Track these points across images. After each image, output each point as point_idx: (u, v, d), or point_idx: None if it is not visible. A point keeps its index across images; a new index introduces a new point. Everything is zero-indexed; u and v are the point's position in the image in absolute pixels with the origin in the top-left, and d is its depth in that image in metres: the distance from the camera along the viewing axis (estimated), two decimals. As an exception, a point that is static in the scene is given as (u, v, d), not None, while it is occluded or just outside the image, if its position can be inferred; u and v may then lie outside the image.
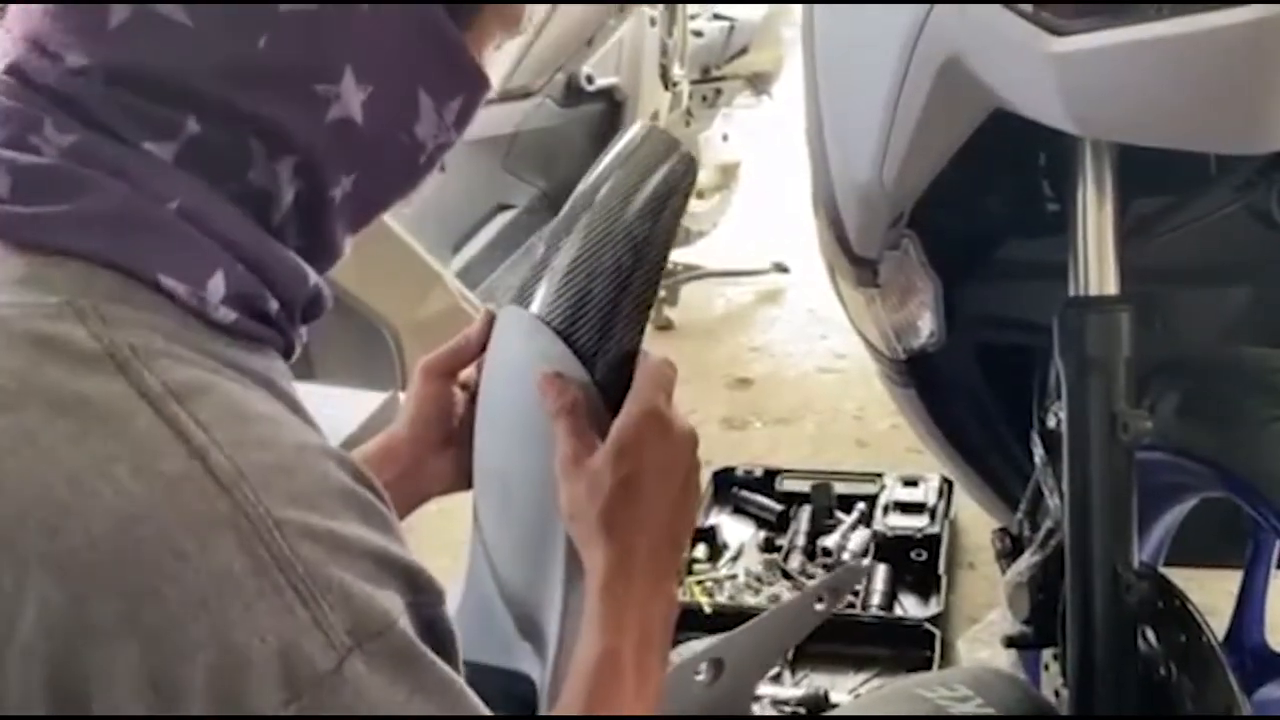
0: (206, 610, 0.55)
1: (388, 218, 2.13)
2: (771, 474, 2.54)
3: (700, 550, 2.33)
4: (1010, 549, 1.37)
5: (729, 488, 2.54)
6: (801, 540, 2.35)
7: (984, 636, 2.05)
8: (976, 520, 2.23)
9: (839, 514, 2.42)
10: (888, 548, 2.28)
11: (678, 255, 3.59)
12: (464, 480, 0.98)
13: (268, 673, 0.56)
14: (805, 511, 2.42)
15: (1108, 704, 1.15)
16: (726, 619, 1.91)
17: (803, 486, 2.48)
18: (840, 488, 2.46)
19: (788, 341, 3.45)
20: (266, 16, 0.65)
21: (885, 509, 2.37)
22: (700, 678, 1.02)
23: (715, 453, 2.62)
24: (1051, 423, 1.21)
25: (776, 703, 1.92)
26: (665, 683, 0.83)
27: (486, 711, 0.64)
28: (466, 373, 0.99)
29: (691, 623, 2.03)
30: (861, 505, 2.41)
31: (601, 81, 2.95)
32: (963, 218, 1.36)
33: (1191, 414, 1.17)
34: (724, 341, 3.48)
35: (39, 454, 0.57)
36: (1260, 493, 1.10)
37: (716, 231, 3.84)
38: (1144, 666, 1.15)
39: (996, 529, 1.41)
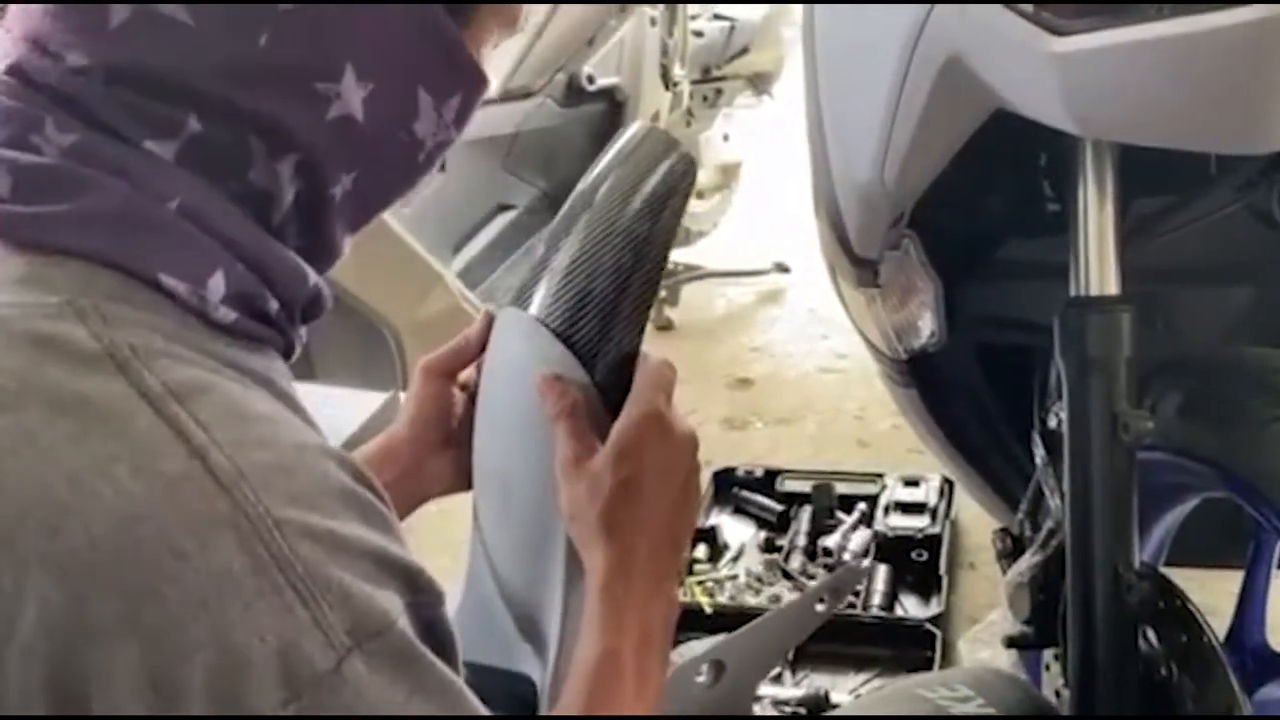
0: (206, 610, 0.55)
1: (388, 217, 2.13)
2: (772, 474, 2.54)
3: (701, 550, 2.33)
4: (1011, 549, 1.37)
5: (730, 488, 2.54)
6: (802, 540, 2.35)
7: (985, 637, 2.05)
8: (977, 520, 2.24)
9: (840, 514, 2.42)
10: (889, 548, 2.28)
11: (678, 255, 3.59)
12: (464, 481, 0.98)
13: (267, 672, 0.56)
14: (806, 512, 2.42)
15: (1109, 704, 1.15)
16: (727, 619, 1.92)
17: (803, 487, 2.48)
18: (841, 488, 2.46)
19: (788, 341, 3.45)
20: (267, 15, 0.65)
21: (886, 509, 2.37)
22: (701, 679, 1.02)
23: (716, 453, 2.62)
24: (1052, 423, 1.21)
25: (777, 703, 1.92)
26: (666, 684, 0.83)
27: (486, 712, 0.64)
28: (466, 373, 0.99)
29: (692, 623, 2.03)
30: (862, 505, 2.41)
31: (602, 81, 2.95)
32: (964, 218, 1.36)
33: (1193, 414, 1.17)
34: (725, 341, 3.48)
35: (39, 454, 0.57)
36: (1261, 493, 1.10)
37: (717, 231, 3.84)
38: (1145, 667, 1.15)
39: (997, 529, 1.41)
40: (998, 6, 0.94)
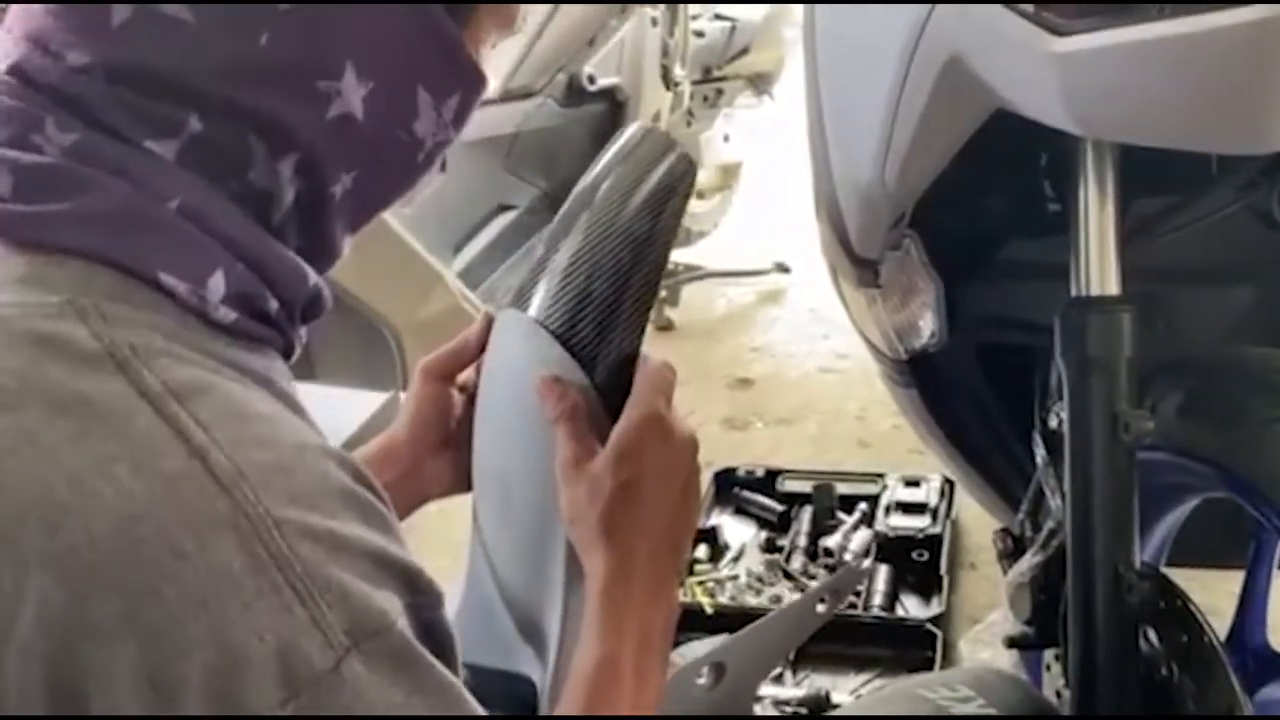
0: (205, 609, 0.55)
1: (388, 217, 2.13)
2: (773, 474, 2.54)
3: (702, 551, 2.33)
4: (1012, 549, 1.37)
5: (730, 488, 2.54)
6: (803, 541, 2.35)
7: (985, 637, 2.05)
8: (978, 521, 2.23)
9: (840, 514, 2.41)
10: (889, 548, 2.28)
11: (679, 255, 3.59)
12: (464, 482, 0.98)
13: (266, 672, 0.56)
14: (807, 512, 2.42)
15: (1109, 704, 1.15)
16: (728, 619, 1.92)
17: (804, 487, 2.48)
18: (842, 488, 2.45)
19: (789, 342, 3.44)
20: (268, 13, 0.65)
21: (887, 509, 2.37)
22: (702, 681, 1.02)
23: (716, 453, 2.62)
24: (1053, 423, 1.20)
25: (778, 703, 1.92)
26: (666, 687, 0.83)
27: (484, 713, 0.64)
28: (465, 374, 0.99)
29: (693, 623, 2.03)
30: (863, 506, 2.41)
31: (603, 82, 2.95)
32: (964, 218, 1.36)
33: (1194, 414, 1.17)
34: (725, 342, 3.48)
35: (39, 453, 0.57)
36: (1262, 493, 1.10)
37: (718, 232, 3.84)
38: (1146, 667, 1.15)
39: (998, 529, 1.41)
40: (998, 6, 0.94)
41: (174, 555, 0.55)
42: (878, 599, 2.17)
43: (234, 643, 0.55)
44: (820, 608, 1.11)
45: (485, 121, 2.58)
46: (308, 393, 0.70)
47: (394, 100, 0.69)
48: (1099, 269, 1.13)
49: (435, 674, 0.61)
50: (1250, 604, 1.27)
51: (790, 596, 2.20)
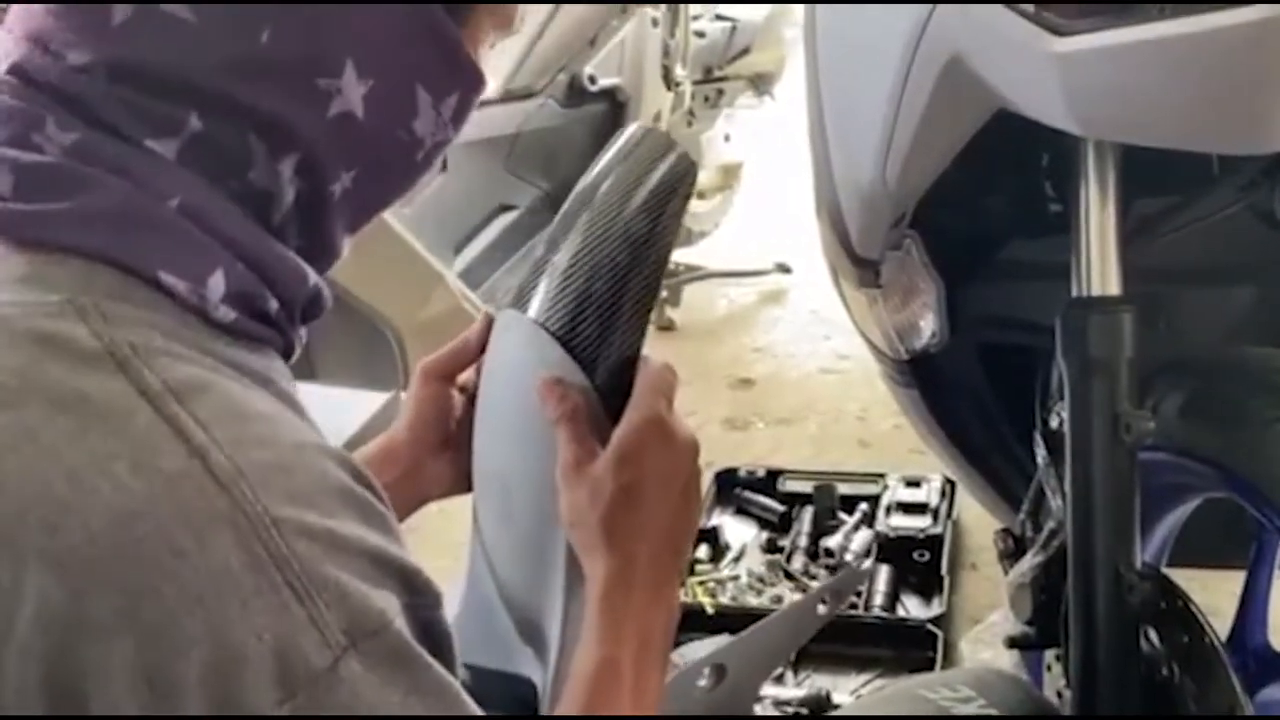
0: (203, 607, 0.55)
1: (389, 217, 2.13)
2: (774, 474, 2.54)
3: (703, 551, 2.33)
4: (1013, 549, 1.37)
5: (731, 488, 2.54)
6: (804, 541, 2.35)
7: (986, 637, 2.04)
8: (979, 521, 2.23)
9: (841, 515, 2.41)
10: (890, 548, 2.27)
11: (680, 256, 3.59)
12: (464, 483, 0.98)
13: (263, 670, 0.56)
14: (808, 512, 2.42)
15: (1110, 705, 1.15)
16: (729, 620, 1.92)
17: (805, 487, 2.48)
18: (843, 488, 2.45)
19: (790, 342, 3.44)
20: (268, 11, 0.65)
21: (888, 510, 2.36)
22: (702, 683, 1.02)
23: (717, 453, 2.62)
24: (1054, 423, 1.20)
25: (779, 703, 1.92)
26: (667, 688, 0.83)
27: (482, 714, 0.64)
28: (465, 375, 0.99)
29: (694, 623, 2.03)
30: (864, 506, 2.41)
31: (604, 82, 2.95)
32: (965, 218, 1.36)
33: (1194, 414, 1.17)
34: (726, 342, 3.48)
35: (39, 451, 0.57)
36: (1263, 493, 1.10)
37: (718, 232, 3.84)
38: (1147, 667, 1.15)
39: (999, 530, 1.41)
40: (999, 7, 0.94)
41: (172, 553, 0.55)
42: (879, 599, 2.17)
43: (232, 641, 0.55)
44: (821, 609, 1.11)
45: (486, 121, 2.58)
46: (308, 393, 0.70)
47: (393, 99, 0.69)
48: (1100, 269, 1.13)
49: (433, 674, 0.61)
50: (1251, 604, 1.27)
51: (791, 597, 2.20)
